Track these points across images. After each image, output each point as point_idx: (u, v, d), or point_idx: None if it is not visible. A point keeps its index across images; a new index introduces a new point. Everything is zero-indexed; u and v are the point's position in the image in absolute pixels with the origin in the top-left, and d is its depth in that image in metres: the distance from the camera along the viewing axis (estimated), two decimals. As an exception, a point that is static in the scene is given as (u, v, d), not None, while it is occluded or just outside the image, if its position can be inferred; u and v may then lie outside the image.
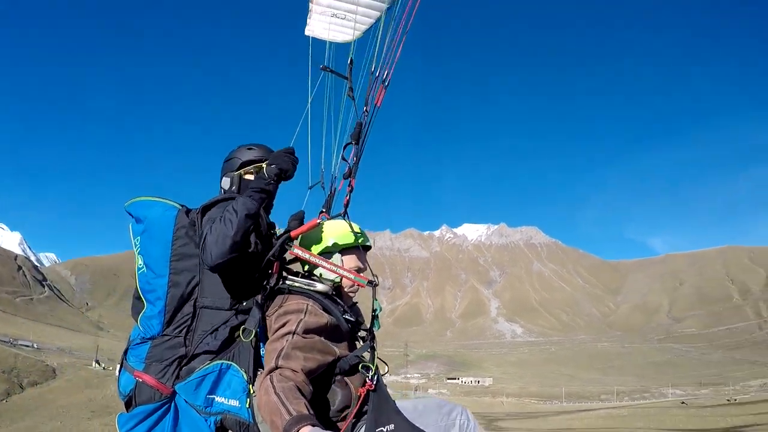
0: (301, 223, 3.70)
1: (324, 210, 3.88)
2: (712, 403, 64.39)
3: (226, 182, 3.88)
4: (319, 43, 4.61)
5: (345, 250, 3.62)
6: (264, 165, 3.70)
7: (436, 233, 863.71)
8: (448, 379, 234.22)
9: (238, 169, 3.86)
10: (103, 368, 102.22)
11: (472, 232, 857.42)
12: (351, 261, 3.62)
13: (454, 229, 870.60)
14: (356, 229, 3.71)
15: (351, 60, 4.15)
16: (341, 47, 4.67)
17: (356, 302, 3.71)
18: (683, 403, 71.37)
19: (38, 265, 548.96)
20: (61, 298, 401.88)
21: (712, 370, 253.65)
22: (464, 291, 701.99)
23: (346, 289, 3.59)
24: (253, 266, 3.42)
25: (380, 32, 4.09)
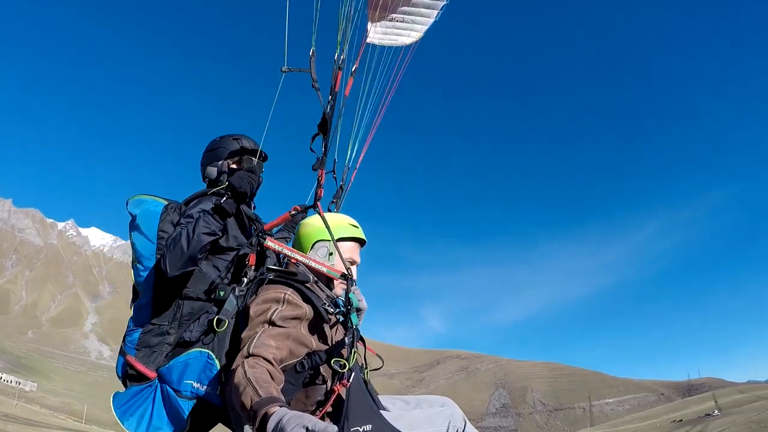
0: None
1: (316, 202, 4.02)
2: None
3: (212, 172, 4.19)
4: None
5: (338, 240, 3.65)
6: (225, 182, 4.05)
7: (60, 225, 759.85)
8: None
9: (226, 159, 4.18)
10: None
11: (98, 238, 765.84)
12: (343, 252, 3.63)
13: (81, 228, 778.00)
14: (349, 221, 3.80)
15: (313, 52, 4.23)
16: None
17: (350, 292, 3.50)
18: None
19: None
20: None
21: None
22: (66, 296, 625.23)
23: (336, 281, 3.62)
24: (232, 258, 3.74)
25: (342, 16, 4.31)
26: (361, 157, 4.54)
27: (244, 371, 2.77)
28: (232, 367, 2.89)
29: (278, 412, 2.48)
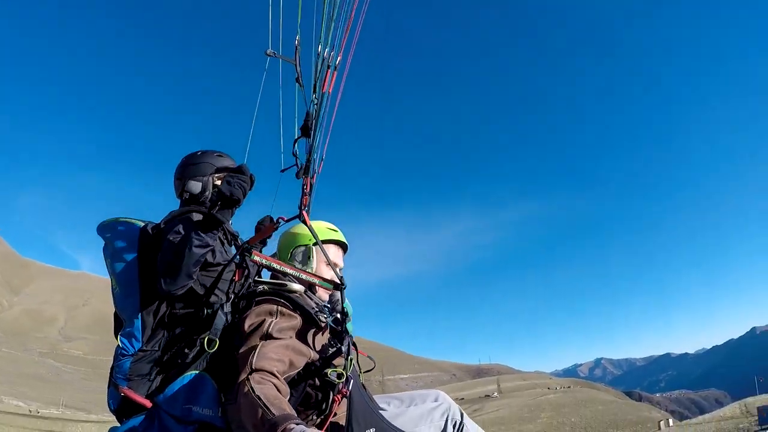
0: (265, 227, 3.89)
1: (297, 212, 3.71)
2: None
3: (194, 186, 3.85)
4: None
5: (315, 245, 3.60)
6: (213, 188, 3.83)
7: None
8: None
9: (210, 175, 3.88)
10: None
11: None
12: (328, 255, 3.60)
13: None
14: (327, 225, 3.72)
15: (298, 42, 3.81)
16: (291, 29, 3.91)
17: (336, 298, 3.55)
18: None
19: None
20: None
21: (81, 393, 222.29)
22: None
23: (322, 288, 3.58)
24: (218, 277, 3.52)
25: (325, 6, 3.73)
26: (323, 155, 3.93)
27: (252, 388, 2.69)
28: (237, 383, 2.81)
29: (296, 430, 2.43)
